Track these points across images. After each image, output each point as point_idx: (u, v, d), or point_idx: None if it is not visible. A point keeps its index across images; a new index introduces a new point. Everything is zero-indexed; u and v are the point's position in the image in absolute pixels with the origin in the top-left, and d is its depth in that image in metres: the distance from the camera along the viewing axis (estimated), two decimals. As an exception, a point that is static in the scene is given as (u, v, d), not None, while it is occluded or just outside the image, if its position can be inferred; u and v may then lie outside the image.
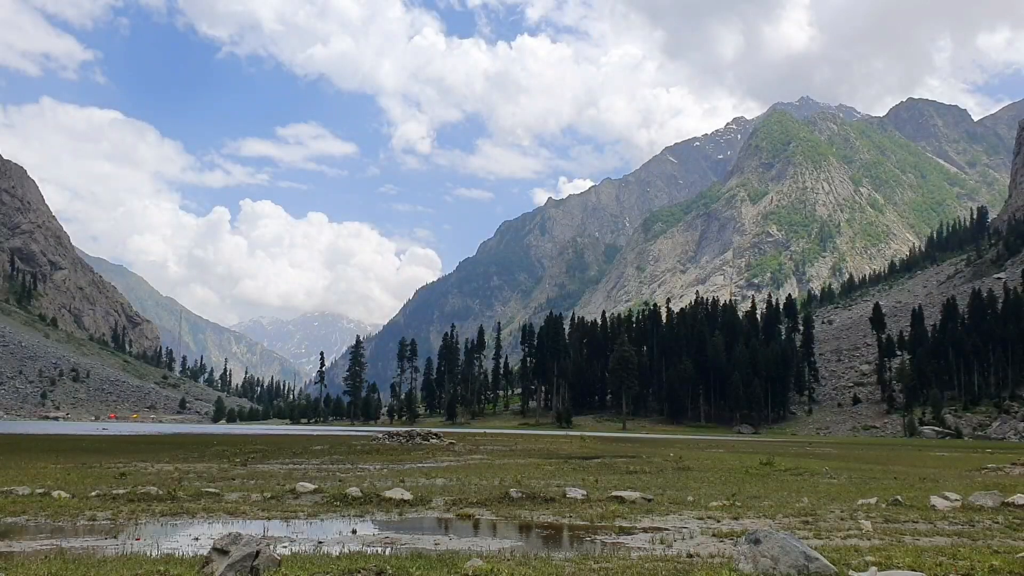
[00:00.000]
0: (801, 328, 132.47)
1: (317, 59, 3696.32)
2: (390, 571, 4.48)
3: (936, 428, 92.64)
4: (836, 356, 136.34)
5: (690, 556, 5.62)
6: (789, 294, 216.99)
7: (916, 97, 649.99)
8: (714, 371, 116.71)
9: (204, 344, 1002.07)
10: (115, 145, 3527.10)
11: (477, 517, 8.46)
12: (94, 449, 24.70)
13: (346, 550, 5.72)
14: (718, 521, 8.18)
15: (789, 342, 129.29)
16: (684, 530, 7.49)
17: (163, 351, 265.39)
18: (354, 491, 9.72)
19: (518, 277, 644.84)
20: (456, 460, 21.01)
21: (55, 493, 9.55)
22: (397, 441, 32.43)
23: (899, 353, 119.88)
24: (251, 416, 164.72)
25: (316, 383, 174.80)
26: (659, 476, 14.64)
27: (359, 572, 4.46)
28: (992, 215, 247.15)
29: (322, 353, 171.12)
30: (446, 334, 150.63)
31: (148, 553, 5.52)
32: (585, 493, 10.19)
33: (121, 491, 9.81)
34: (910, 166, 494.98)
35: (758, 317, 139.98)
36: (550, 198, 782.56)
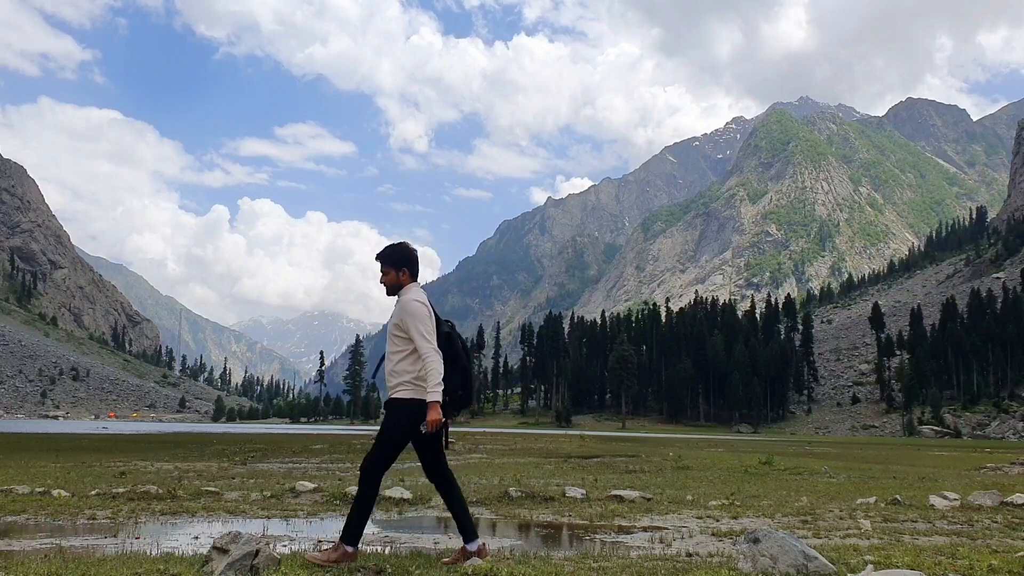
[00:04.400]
0: (800, 328, 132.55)
1: (315, 59, 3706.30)
2: (390, 570, 4.49)
3: (935, 427, 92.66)
4: (835, 356, 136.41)
5: (689, 555, 5.63)
6: (788, 294, 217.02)
7: (915, 97, 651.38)
8: (713, 370, 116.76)
9: (204, 343, 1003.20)
10: (114, 145, 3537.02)
11: (476, 516, 8.46)
12: (94, 448, 24.69)
13: (346, 549, 5.72)
14: (717, 520, 8.19)
15: (788, 342, 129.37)
16: (683, 529, 7.50)
17: (163, 350, 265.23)
18: (354, 490, 9.72)
19: (518, 276, 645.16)
20: (455, 459, 21.01)
21: (55, 492, 9.55)
22: (396, 440, 32.37)
23: (898, 353, 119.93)
24: (251, 415, 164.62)
25: (316, 382, 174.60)
26: (658, 475, 14.66)
27: (359, 571, 4.47)
28: (991, 215, 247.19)
29: (322, 352, 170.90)
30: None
31: (148, 552, 5.52)
32: (584, 492, 10.19)
33: (121, 490, 9.81)
34: (909, 166, 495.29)
35: (757, 317, 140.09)
36: (549, 197, 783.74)
